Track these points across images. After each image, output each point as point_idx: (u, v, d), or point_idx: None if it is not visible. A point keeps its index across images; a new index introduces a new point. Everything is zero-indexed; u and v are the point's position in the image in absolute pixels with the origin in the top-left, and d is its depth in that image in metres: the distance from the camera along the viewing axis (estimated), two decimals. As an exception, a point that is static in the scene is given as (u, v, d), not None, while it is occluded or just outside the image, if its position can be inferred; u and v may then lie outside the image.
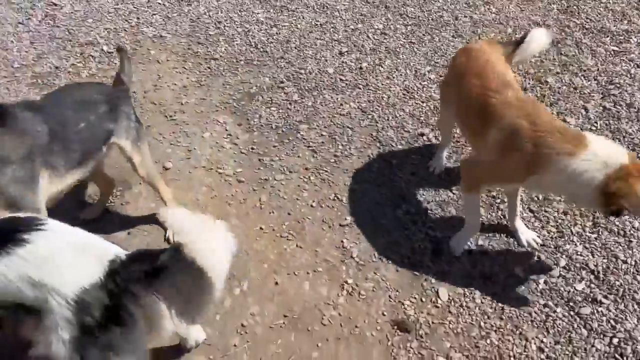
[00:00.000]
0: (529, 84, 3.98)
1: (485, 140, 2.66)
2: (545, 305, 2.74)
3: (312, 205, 3.25)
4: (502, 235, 3.07)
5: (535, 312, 2.71)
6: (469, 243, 3.01)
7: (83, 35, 4.54)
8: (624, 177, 2.28)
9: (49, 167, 2.44)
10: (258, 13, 4.79)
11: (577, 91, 3.91)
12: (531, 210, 3.17)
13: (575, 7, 4.73)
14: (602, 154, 2.35)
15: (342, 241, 3.07)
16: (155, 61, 4.30)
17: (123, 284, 1.81)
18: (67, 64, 4.27)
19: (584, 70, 4.09)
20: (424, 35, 4.52)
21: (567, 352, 2.56)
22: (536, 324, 2.67)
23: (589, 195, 2.38)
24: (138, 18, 4.73)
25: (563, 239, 3.01)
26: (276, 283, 2.87)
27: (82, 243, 1.92)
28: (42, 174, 2.42)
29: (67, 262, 1.83)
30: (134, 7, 4.84)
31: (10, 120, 2.38)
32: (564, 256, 2.94)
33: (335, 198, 3.30)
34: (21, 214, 2.09)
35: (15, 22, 4.67)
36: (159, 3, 4.90)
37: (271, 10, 4.81)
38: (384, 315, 2.73)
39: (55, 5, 4.85)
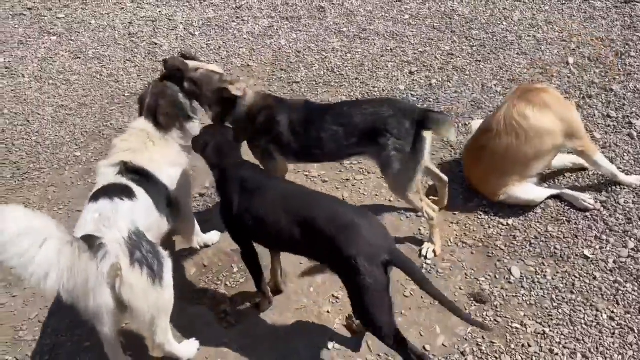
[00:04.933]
0: (594, 92, 4.17)
1: None
2: (615, 282, 2.91)
3: (390, 200, 3.57)
4: (570, 222, 3.27)
5: (605, 287, 2.89)
6: None
7: (181, 68, 5.15)
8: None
9: None
10: (333, 42, 5.26)
11: (643, 97, 4.08)
12: (600, 201, 3.36)
13: (639, 23, 4.90)
14: None
15: (418, 229, 3.36)
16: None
17: None
18: (169, 91, 4.86)
19: (649, 78, 4.25)
20: (489, 54, 4.82)
21: (637, 321, 2.71)
22: (606, 297, 2.85)
23: None
24: (227, 51, 5.31)
25: (631, 225, 3.17)
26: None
27: None
28: None
29: None
30: (223, 42, 5.44)
31: None
32: (632, 239, 3.10)
33: (412, 194, 3.60)
34: None
35: (124, 60, 5.37)
36: (245, 38, 5.47)
37: (345, 40, 5.27)
38: (460, 289, 2.98)
39: (156, 44, 5.53)
